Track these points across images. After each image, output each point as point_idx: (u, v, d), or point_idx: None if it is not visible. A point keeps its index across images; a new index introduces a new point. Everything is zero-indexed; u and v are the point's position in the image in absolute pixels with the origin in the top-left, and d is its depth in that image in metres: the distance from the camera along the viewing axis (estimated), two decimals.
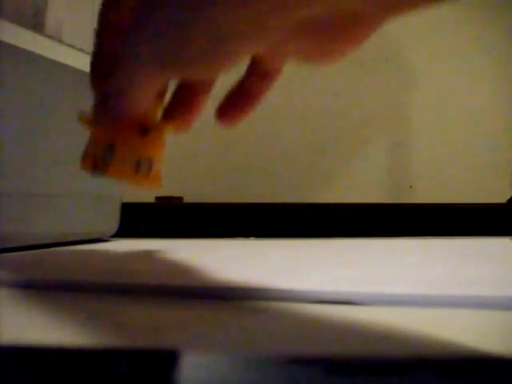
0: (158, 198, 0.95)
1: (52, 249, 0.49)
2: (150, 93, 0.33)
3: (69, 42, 0.56)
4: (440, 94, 1.03)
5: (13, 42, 0.50)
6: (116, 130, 0.35)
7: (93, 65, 0.37)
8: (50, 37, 0.55)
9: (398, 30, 1.02)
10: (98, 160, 0.35)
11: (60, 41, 0.56)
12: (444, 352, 0.18)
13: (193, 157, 1.03)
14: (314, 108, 1.05)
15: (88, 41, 0.60)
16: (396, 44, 1.03)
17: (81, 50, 0.57)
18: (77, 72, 0.56)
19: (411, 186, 1.08)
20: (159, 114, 0.37)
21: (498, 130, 1.02)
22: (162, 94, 0.37)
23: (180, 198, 0.98)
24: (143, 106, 0.33)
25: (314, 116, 1.05)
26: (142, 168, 0.35)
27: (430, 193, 1.07)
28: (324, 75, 1.04)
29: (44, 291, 0.30)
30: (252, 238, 0.64)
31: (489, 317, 0.23)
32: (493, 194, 0.97)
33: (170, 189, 0.94)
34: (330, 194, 1.03)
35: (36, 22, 0.55)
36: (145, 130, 0.35)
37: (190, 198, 1.00)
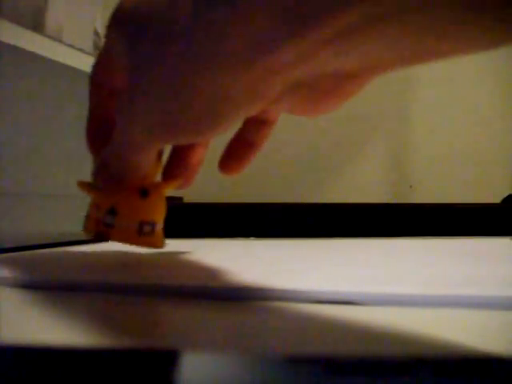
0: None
1: (51, 249, 0.49)
2: (148, 158, 0.34)
3: (69, 42, 0.56)
4: (440, 94, 1.03)
5: (13, 42, 0.50)
6: (117, 194, 0.35)
7: (88, 129, 0.38)
8: (50, 37, 0.55)
9: None
10: (100, 225, 0.35)
11: (60, 41, 0.56)
12: (444, 352, 0.18)
13: None
14: None
15: (88, 41, 0.60)
16: None
17: (81, 49, 0.57)
18: (77, 72, 0.56)
19: (411, 186, 1.08)
20: (158, 174, 0.37)
21: (498, 130, 1.02)
22: (159, 154, 0.38)
23: (180, 198, 0.98)
24: (143, 171, 0.34)
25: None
26: (144, 230, 0.36)
27: (430, 193, 1.07)
28: None
29: (44, 291, 0.30)
30: (252, 238, 0.64)
31: (489, 317, 0.23)
32: (493, 194, 0.97)
33: None
34: (330, 194, 1.03)
35: (36, 22, 0.55)
36: (145, 192, 0.36)
37: (189, 198, 1.00)
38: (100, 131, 0.37)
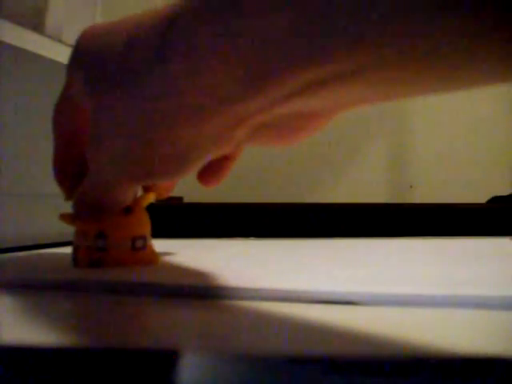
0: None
1: (51, 249, 0.49)
2: (124, 195, 0.34)
3: (69, 42, 0.56)
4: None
5: (13, 42, 0.50)
6: (101, 219, 0.35)
7: (55, 167, 0.38)
8: (49, 37, 0.55)
9: None
10: (92, 252, 0.36)
11: (60, 41, 0.56)
12: (444, 352, 0.18)
13: None
14: None
15: None
16: None
17: None
18: None
19: (411, 186, 1.08)
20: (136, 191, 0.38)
21: (499, 130, 1.02)
22: None
23: (180, 198, 0.98)
24: (121, 204, 0.35)
25: None
26: (137, 246, 0.36)
27: (430, 193, 1.07)
28: None
29: (44, 291, 0.30)
30: (252, 238, 0.64)
31: (489, 317, 0.23)
32: (493, 195, 0.97)
33: None
34: (331, 194, 1.03)
35: (36, 22, 0.55)
36: (128, 209, 0.36)
37: (189, 198, 1.00)
38: (68, 168, 0.37)
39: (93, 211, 0.35)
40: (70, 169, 0.38)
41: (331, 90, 0.25)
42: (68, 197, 0.38)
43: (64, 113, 0.36)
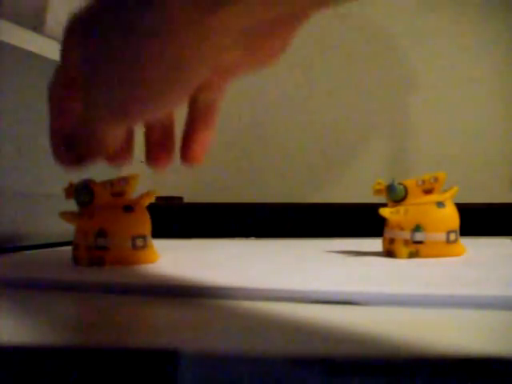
0: (158, 198, 0.95)
1: (51, 249, 0.49)
2: (116, 137, 0.34)
3: None
4: (440, 94, 1.03)
5: (13, 42, 0.50)
6: (100, 216, 0.36)
7: (53, 141, 0.37)
8: (49, 37, 0.55)
9: (399, 29, 1.02)
10: (92, 251, 0.36)
11: (60, 41, 0.56)
12: (444, 352, 0.18)
13: None
14: (313, 108, 1.05)
15: None
16: (396, 44, 1.03)
17: None
18: None
19: None
20: (135, 189, 0.38)
21: (499, 129, 1.02)
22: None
23: (180, 198, 0.98)
24: (112, 147, 0.34)
25: (313, 116, 1.05)
26: (138, 245, 0.36)
27: None
28: (323, 75, 1.04)
29: (44, 291, 0.30)
30: (252, 238, 0.64)
31: (489, 317, 0.23)
32: (493, 194, 0.97)
33: (170, 189, 0.94)
34: (330, 194, 1.03)
35: (36, 22, 0.55)
36: (128, 207, 0.36)
37: (189, 198, 1.00)
38: (65, 139, 0.37)
39: (76, 152, 0.35)
40: (68, 140, 0.37)
41: None
42: (67, 166, 0.38)
43: (60, 84, 0.37)
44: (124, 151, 0.37)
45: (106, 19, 0.31)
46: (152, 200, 0.38)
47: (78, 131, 0.35)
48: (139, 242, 0.36)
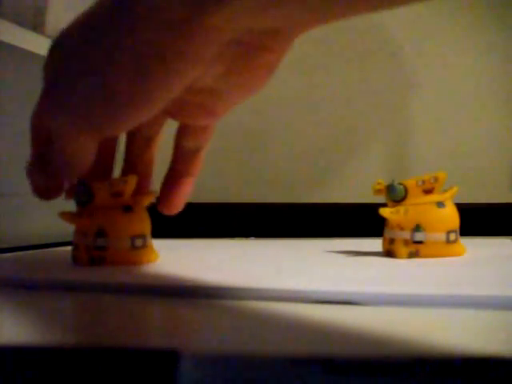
0: (158, 198, 0.95)
1: (51, 249, 0.49)
2: (85, 148, 0.33)
3: None
4: (440, 93, 1.03)
5: (13, 42, 0.50)
6: (99, 215, 0.36)
7: (33, 159, 0.36)
8: (49, 37, 0.55)
9: (399, 29, 1.02)
10: (91, 251, 0.36)
11: None
12: (444, 352, 0.18)
13: None
14: (313, 108, 1.05)
15: None
16: (396, 44, 1.03)
17: None
18: None
19: None
20: (133, 188, 0.38)
21: (499, 129, 1.02)
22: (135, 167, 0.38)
23: None
24: (85, 164, 0.33)
25: (313, 116, 1.05)
26: (136, 245, 0.36)
27: None
28: (323, 75, 1.04)
29: (44, 291, 0.30)
30: (252, 238, 0.64)
31: (489, 317, 0.23)
32: (493, 194, 0.97)
33: None
34: (330, 194, 1.03)
35: (36, 22, 0.55)
36: (128, 207, 0.36)
37: (190, 197, 1.00)
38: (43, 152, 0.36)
39: (53, 178, 0.34)
40: (38, 160, 0.37)
41: (283, 4, 0.27)
42: (42, 192, 0.37)
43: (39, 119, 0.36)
44: (100, 172, 0.37)
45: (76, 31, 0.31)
46: (152, 200, 0.38)
47: (46, 148, 0.34)
48: (138, 243, 0.36)
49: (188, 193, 0.40)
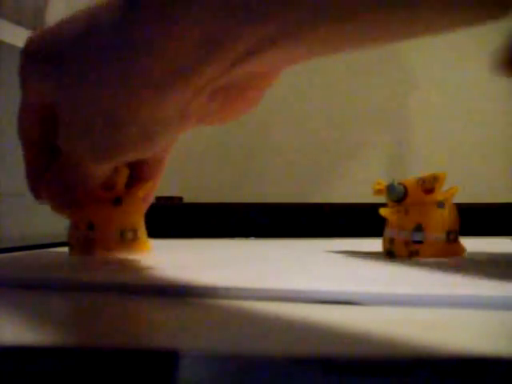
0: (158, 198, 0.96)
1: (51, 249, 0.49)
2: (94, 174, 0.34)
3: None
4: (440, 94, 1.03)
5: (13, 42, 0.50)
6: (90, 208, 0.36)
7: (29, 178, 0.37)
8: None
9: None
10: (82, 242, 0.36)
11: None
12: (444, 352, 0.18)
13: (193, 157, 1.03)
14: (313, 108, 1.05)
15: None
16: (396, 44, 1.03)
17: None
18: None
19: None
20: (125, 180, 0.38)
21: (499, 130, 1.02)
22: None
23: (180, 198, 0.98)
24: (93, 185, 0.35)
25: (313, 116, 1.05)
26: (127, 237, 0.36)
27: None
28: (323, 75, 1.04)
29: (43, 291, 0.30)
30: (252, 238, 0.64)
31: (489, 317, 0.23)
32: (493, 194, 0.97)
33: (170, 189, 0.94)
34: (330, 194, 1.03)
35: (36, 22, 0.55)
36: (118, 200, 0.36)
37: (189, 198, 1.00)
38: (41, 176, 0.37)
39: (63, 197, 0.35)
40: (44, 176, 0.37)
41: (280, 47, 0.27)
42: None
43: (28, 123, 0.36)
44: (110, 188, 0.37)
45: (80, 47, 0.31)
46: (146, 190, 0.38)
47: (59, 169, 0.34)
48: (128, 236, 0.36)
49: (150, 199, 0.40)
